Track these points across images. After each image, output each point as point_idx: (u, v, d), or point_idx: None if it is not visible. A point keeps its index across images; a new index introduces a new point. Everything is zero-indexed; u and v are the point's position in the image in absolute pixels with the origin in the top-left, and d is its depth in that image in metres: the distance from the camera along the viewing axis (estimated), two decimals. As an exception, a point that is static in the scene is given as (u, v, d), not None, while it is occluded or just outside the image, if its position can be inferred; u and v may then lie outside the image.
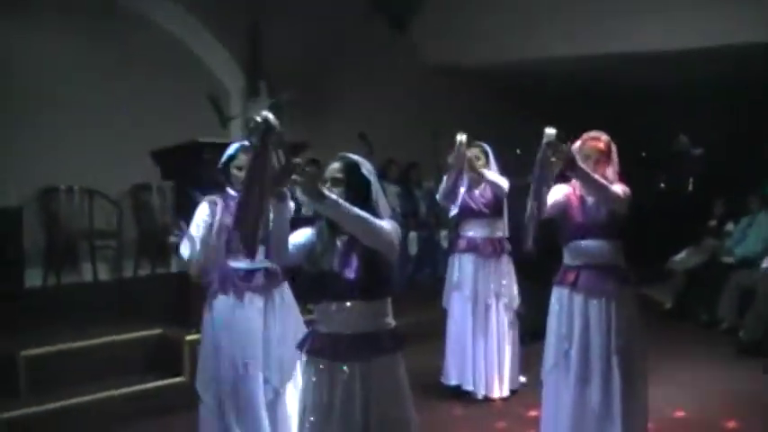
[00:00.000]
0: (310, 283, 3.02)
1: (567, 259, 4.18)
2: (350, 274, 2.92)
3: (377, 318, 2.98)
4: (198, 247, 4.03)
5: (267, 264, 4.14)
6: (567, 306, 4.10)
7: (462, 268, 5.71)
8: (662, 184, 12.30)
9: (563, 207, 4.12)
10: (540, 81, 10.73)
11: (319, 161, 7.03)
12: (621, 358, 3.97)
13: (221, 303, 4.20)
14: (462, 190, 5.64)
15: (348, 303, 2.93)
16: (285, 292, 4.27)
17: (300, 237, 3.07)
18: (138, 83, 7.86)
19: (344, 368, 2.92)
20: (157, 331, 5.88)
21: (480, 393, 5.63)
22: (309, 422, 2.97)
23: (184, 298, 5.75)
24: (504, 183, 5.59)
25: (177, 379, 5.55)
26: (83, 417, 5.06)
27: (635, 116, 11.42)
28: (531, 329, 5.64)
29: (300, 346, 3.11)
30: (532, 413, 4.88)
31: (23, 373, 5.14)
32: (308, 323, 3.80)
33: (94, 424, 5.05)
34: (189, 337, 5.52)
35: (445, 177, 5.54)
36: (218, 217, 4.15)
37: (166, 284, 6.66)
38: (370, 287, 2.94)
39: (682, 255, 8.75)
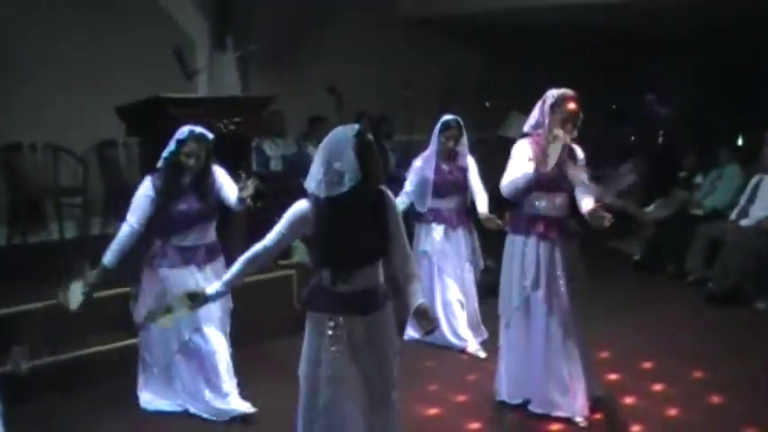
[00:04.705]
0: (326, 252, 3.16)
1: (530, 209, 4.50)
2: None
3: (379, 275, 3.30)
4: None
5: (207, 240, 4.63)
6: (533, 253, 4.49)
7: (432, 238, 5.83)
8: (632, 137, 12.33)
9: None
10: (513, 32, 10.63)
11: (281, 112, 6.96)
12: (577, 291, 4.50)
13: (167, 275, 4.59)
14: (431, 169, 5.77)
15: (365, 267, 3.20)
16: (221, 263, 4.66)
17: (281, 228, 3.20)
18: (102, 36, 7.65)
19: (365, 318, 3.22)
20: (128, 289, 5.81)
21: (457, 347, 5.80)
22: (345, 369, 3.18)
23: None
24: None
25: (147, 337, 5.50)
26: (53, 377, 5.01)
27: (606, 68, 11.39)
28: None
29: (313, 306, 3.27)
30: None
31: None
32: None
33: (64, 384, 5.01)
34: (158, 295, 5.47)
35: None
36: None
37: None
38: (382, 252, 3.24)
39: (651, 207, 8.80)
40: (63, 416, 4.74)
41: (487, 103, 8.02)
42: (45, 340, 5.17)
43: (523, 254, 4.52)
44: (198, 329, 4.61)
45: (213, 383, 4.63)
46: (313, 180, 3.10)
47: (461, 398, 4.94)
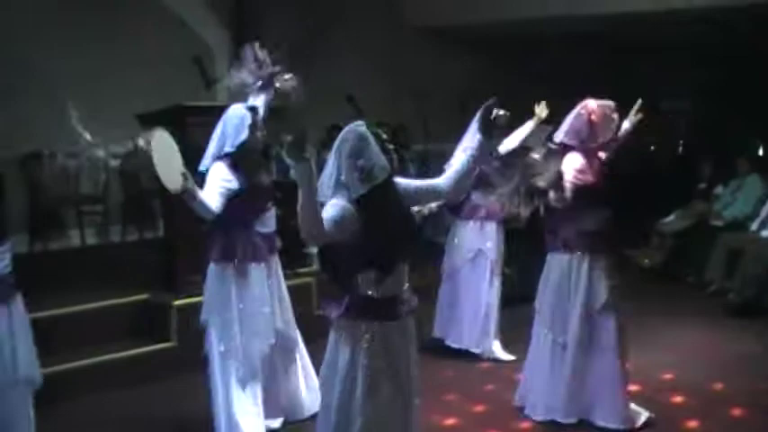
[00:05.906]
0: (371, 249, 3.01)
1: (588, 225, 4.41)
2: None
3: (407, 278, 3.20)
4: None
5: (275, 227, 4.35)
6: (586, 269, 4.43)
7: (485, 234, 5.74)
8: (652, 147, 12.30)
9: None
10: (530, 42, 10.64)
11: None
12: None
13: (254, 275, 4.22)
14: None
15: (404, 262, 3.14)
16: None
17: (334, 210, 2.93)
18: (122, 45, 7.72)
19: (399, 323, 3.16)
20: (145, 296, 5.85)
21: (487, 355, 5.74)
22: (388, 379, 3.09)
23: (171, 263, 5.74)
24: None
25: (165, 344, 5.53)
26: (70, 384, 5.04)
27: (625, 79, 11.36)
28: (521, 293, 5.70)
29: (348, 314, 3.12)
30: (521, 376, 4.88)
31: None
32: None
33: (82, 391, 5.03)
34: (176, 303, 5.50)
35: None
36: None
37: (153, 249, 6.63)
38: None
39: (671, 217, 8.77)
40: (72, 424, 4.74)
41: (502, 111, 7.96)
42: (68, 346, 5.21)
43: (578, 272, 4.46)
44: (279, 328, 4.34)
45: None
46: (325, 186, 3.00)
47: (480, 408, 4.92)
